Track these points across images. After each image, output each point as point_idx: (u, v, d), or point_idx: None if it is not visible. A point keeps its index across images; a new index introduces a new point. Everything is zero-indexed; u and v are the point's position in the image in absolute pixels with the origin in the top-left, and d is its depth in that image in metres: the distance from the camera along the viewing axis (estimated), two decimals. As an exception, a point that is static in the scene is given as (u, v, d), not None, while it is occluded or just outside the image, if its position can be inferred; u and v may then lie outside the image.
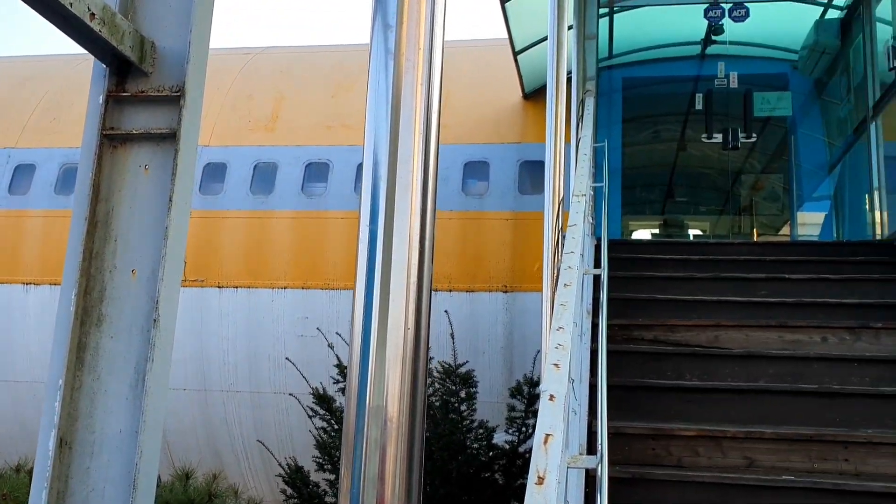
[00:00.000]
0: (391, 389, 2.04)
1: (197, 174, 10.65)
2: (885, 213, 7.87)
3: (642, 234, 17.72)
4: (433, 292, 10.36)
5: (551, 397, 2.43)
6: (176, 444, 10.40)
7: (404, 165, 2.17)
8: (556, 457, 2.12)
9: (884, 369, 4.98)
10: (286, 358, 9.67)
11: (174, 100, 2.28)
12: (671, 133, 13.80)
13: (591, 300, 5.90)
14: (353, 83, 12.08)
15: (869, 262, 6.80)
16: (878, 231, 7.97)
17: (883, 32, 8.02)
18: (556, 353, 2.77)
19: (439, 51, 2.26)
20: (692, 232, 16.94)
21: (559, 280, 3.48)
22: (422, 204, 2.17)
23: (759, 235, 15.07)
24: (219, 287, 10.43)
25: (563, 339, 2.88)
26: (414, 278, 2.08)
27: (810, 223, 11.76)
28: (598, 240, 7.70)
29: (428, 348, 2.14)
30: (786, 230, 13.87)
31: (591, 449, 4.48)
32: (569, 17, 8.04)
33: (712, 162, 13.91)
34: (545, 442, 2.15)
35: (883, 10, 8.02)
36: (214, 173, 10.82)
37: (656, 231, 17.22)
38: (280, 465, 7.80)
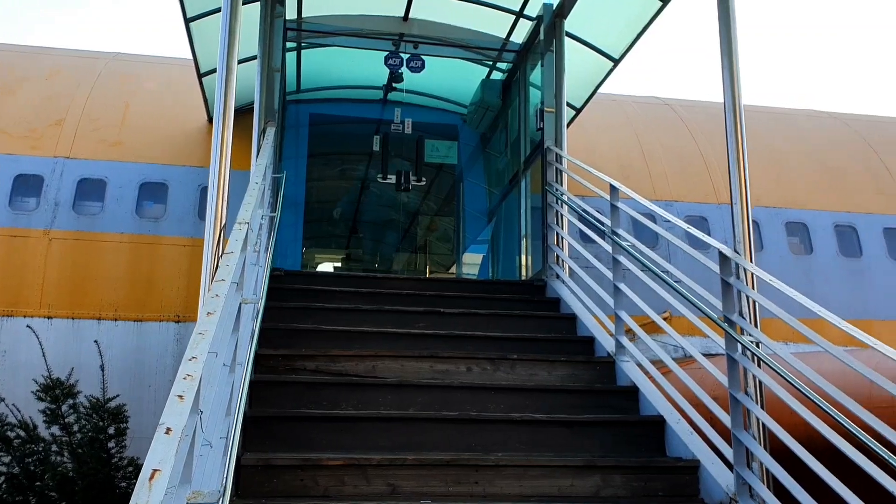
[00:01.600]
0: None
1: None
2: (529, 257, 8.70)
3: (327, 266, 17.93)
4: (96, 321, 9.47)
5: (167, 430, 2.27)
6: None
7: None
8: (160, 493, 1.96)
9: (516, 397, 5.42)
10: None
11: None
12: (357, 171, 14.19)
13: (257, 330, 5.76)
14: (18, 87, 10.86)
15: (514, 300, 7.44)
16: (524, 273, 8.79)
17: (535, 96, 8.94)
18: (181, 385, 2.60)
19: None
20: (375, 267, 17.47)
21: (202, 308, 3.31)
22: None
23: (431, 273, 15.96)
24: None
25: (193, 370, 2.71)
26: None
27: (475, 263, 12.70)
28: (277, 269, 7.62)
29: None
30: (455, 269, 14.85)
31: (238, 484, 4.32)
32: (253, 46, 7.94)
33: (393, 201, 14.51)
34: (151, 478, 1.99)
35: (535, 76, 8.96)
36: None
37: (339, 264, 17.52)
38: None
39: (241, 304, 4.28)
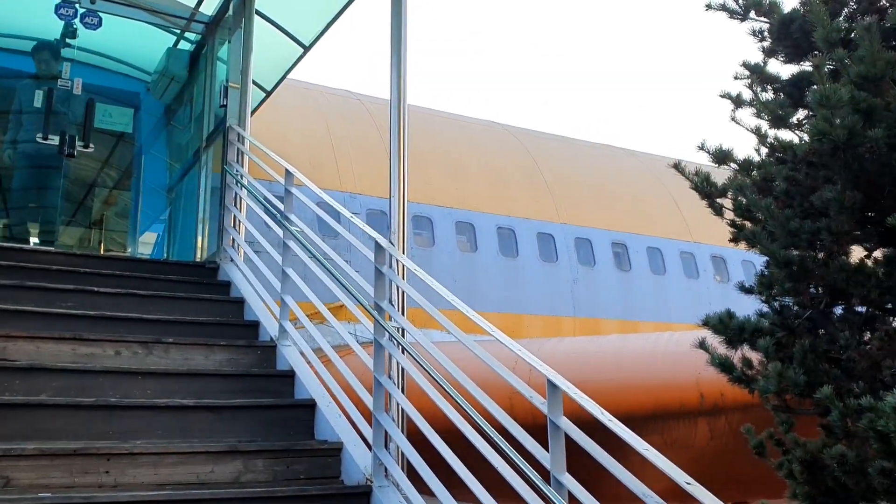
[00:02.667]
0: None
1: None
2: (205, 239, 8.35)
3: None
4: None
5: None
6: None
7: None
8: None
9: (166, 382, 5.13)
10: None
11: None
12: (19, 131, 12.59)
13: None
14: None
15: (183, 282, 7.06)
16: (199, 254, 8.42)
17: (222, 72, 8.59)
18: None
19: None
20: (33, 240, 15.68)
21: None
22: None
23: (107, 250, 14.71)
24: None
25: None
26: None
27: (153, 242, 11.94)
28: None
29: None
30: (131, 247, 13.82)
31: None
32: None
33: (64, 169, 13.11)
34: None
35: (224, 52, 8.61)
36: None
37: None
38: None
39: None
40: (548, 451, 3.33)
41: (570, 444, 3.36)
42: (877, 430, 3.53)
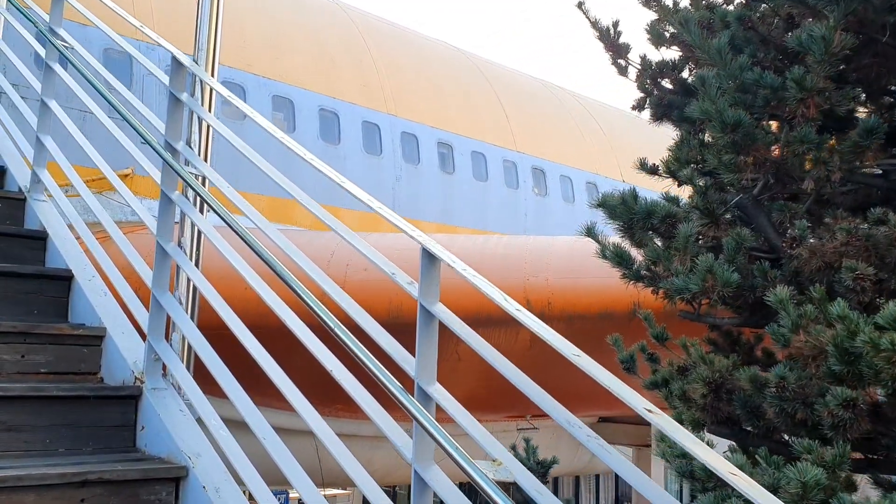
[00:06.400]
0: None
1: None
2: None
3: None
4: None
5: None
6: None
7: None
8: None
9: None
10: None
11: None
12: None
13: None
14: None
15: None
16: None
17: None
18: None
19: None
20: None
21: None
22: None
23: None
24: None
25: None
26: None
27: None
28: None
29: None
30: None
31: None
32: None
33: None
34: None
35: None
36: None
37: None
38: None
39: None
40: (413, 354, 2.23)
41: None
42: (841, 348, 2.75)
